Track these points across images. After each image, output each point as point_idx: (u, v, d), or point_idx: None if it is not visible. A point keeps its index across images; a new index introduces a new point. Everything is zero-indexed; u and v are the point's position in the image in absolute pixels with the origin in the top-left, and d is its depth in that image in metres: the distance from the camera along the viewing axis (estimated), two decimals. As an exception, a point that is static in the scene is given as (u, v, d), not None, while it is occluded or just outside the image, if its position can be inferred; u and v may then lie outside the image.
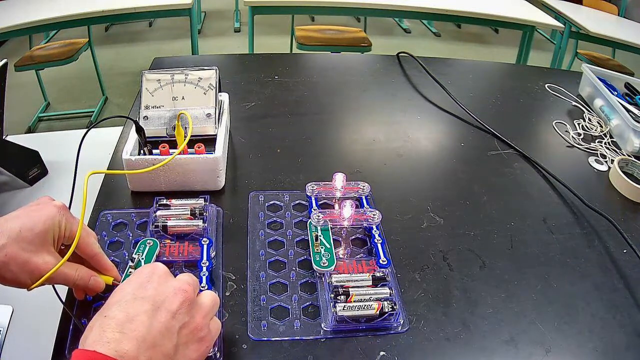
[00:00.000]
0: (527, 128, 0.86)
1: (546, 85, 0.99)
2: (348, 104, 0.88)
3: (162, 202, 0.57)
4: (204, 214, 0.56)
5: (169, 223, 0.54)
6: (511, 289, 0.54)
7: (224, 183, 0.65)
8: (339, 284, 0.49)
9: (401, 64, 1.04)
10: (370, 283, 0.50)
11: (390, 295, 0.48)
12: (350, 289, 0.48)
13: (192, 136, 0.59)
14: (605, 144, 0.82)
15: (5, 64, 0.72)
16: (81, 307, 0.47)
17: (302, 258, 0.55)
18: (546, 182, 0.71)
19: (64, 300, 0.46)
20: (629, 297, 0.54)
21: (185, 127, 0.62)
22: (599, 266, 0.58)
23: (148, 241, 0.52)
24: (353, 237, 0.58)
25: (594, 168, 0.76)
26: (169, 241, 0.54)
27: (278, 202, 0.63)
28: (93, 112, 2.38)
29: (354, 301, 0.47)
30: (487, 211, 0.65)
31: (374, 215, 0.58)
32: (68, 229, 0.43)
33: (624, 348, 0.48)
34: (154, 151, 0.62)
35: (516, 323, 0.50)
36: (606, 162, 0.77)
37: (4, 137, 0.74)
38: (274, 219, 0.60)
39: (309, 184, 0.63)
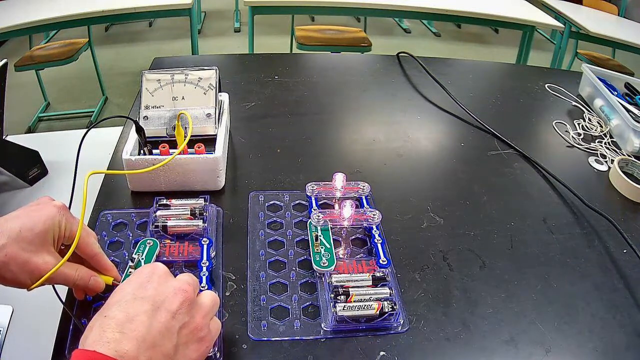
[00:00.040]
0: (527, 128, 0.86)
1: (546, 85, 0.99)
2: (348, 104, 0.88)
3: (162, 202, 0.57)
4: (204, 214, 0.56)
5: (169, 223, 0.54)
6: (511, 289, 0.54)
7: (224, 183, 0.65)
8: (339, 284, 0.49)
9: (401, 64, 1.04)
10: (370, 283, 0.50)
11: (390, 295, 0.48)
12: (350, 289, 0.48)
13: (192, 136, 0.59)
14: (605, 144, 0.82)
15: (5, 64, 0.72)
16: (81, 307, 0.47)
17: (302, 258, 0.55)
18: (546, 182, 0.71)
19: (64, 300, 0.46)
20: (629, 297, 0.54)
21: (185, 127, 0.62)
22: (599, 266, 0.58)
23: (148, 241, 0.52)
24: (353, 237, 0.58)
25: (594, 168, 0.76)
26: (169, 241, 0.54)
27: (278, 202, 0.63)
28: (93, 112, 2.38)
29: (354, 301, 0.47)
30: (487, 211, 0.65)
31: (374, 215, 0.58)
32: (68, 229, 0.43)
33: (624, 348, 0.48)
34: (154, 151, 0.62)
35: (516, 323, 0.50)
36: (606, 162, 0.77)
37: (4, 137, 0.74)
38: (274, 219, 0.60)
39: (309, 184, 0.63)
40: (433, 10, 2.04)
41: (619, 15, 2.67)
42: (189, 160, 0.60)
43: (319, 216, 0.57)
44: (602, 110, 0.88)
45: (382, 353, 0.46)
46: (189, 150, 0.61)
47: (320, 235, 0.55)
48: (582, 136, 0.84)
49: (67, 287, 0.47)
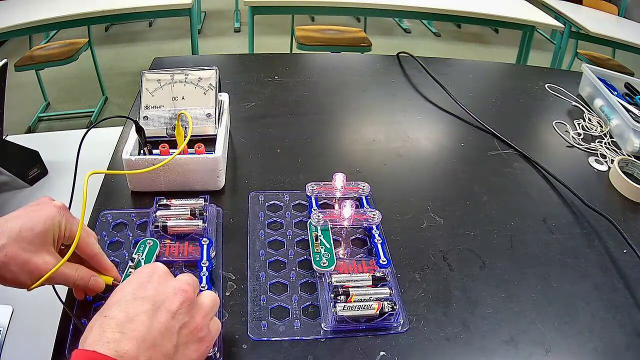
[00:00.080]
0: (527, 128, 0.86)
1: (546, 85, 0.99)
2: (348, 104, 0.88)
3: (162, 202, 0.57)
4: (204, 214, 0.56)
5: (169, 223, 0.54)
6: (511, 289, 0.54)
7: (224, 183, 0.65)
8: (339, 284, 0.49)
9: (401, 64, 1.04)
10: (370, 283, 0.50)
11: (390, 295, 0.48)
12: (350, 289, 0.48)
13: (192, 136, 0.59)
14: (605, 144, 0.82)
15: (5, 64, 0.72)
16: (81, 307, 0.47)
17: (302, 258, 0.55)
18: (546, 182, 0.71)
19: (64, 300, 0.46)
20: (629, 297, 0.54)
21: (185, 127, 0.62)
22: (599, 266, 0.58)
23: (148, 241, 0.52)
24: (353, 237, 0.58)
25: (594, 168, 0.76)
26: (169, 241, 0.54)
27: (278, 202, 0.63)
28: (93, 112, 2.38)
29: (354, 301, 0.47)
30: (487, 211, 0.65)
31: (374, 215, 0.58)
32: (68, 229, 0.43)
33: (624, 348, 0.48)
34: (154, 151, 0.62)
35: (516, 323, 0.50)
36: (606, 162, 0.77)
37: (4, 137, 0.74)
38: (274, 219, 0.60)
39: (309, 184, 0.63)
40: (433, 10, 2.04)
41: (619, 15, 2.67)
42: (189, 160, 0.60)
43: (319, 216, 0.57)
44: (602, 110, 0.88)
45: (382, 353, 0.46)
46: (189, 150, 0.61)
47: (320, 235, 0.55)
48: (582, 136, 0.84)
49: (67, 287, 0.47)
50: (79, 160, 0.53)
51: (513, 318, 0.50)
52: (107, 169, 0.67)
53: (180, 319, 0.36)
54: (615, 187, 0.72)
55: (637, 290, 0.55)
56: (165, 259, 0.52)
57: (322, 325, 0.47)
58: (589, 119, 0.88)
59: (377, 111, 0.87)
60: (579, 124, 0.87)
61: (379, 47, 2.26)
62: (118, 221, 0.58)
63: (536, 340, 0.48)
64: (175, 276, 0.40)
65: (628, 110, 0.83)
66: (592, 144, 0.82)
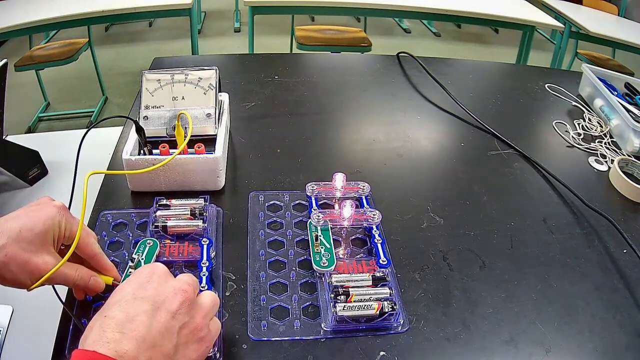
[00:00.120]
0: (527, 128, 0.86)
1: (546, 85, 0.99)
2: (348, 104, 0.88)
3: (162, 202, 0.57)
4: (204, 214, 0.56)
5: (169, 223, 0.54)
6: (511, 289, 0.54)
7: (224, 183, 0.65)
8: (339, 284, 0.49)
9: (401, 64, 1.04)
10: (370, 283, 0.50)
11: (390, 295, 0.48)
12: (350, 289, 0.48)
13: (192, 136, 0.59)
14: (605, 144, 0.82)
15: (5, 64, 0.72)
16: (81, 307, 0.47)
17: (302, 258, 0.55)
18: (546, 182, 0.71)
19: (64, 300, 0.46)
20: (629, 297, 0.54)
21: (185, 127, 0.62)
22: (599, 266, 0.58)
23: (148, 241, 0.52)
24: (353, 237, 0.58)
25: (594, 168, 0.76)
26: (169, 241, 0.54)
27: (278, 202, 0.63)
28: (93, 112, 2.38)
29: (354, 301, 0.47)
30: (487, 211, 0.65)
31: (374, 215, 0.58)
32: (68, 229, 0.43)
33: (624, 348, 0.48)
34: (154, 151, 0.62)
35: (516, 323, 0.50)
36: (606, 162, 0.77)
37: (4, 137, 0.74)
38: (274, 219, 0.60)
39: (309, 184, 0.63)
40: (433, 10, 2.04)
41: (619, 15, 2.67)
42: (189, 160, 0.60)
43: (319, 216, 0.57)
44: (602, 110, 0.88)
45: (382, 353, 0.46)
46: (189, 150, 0.61)
47: (320, 235, 0.55)
48: (582, 136, 0.84)
49: (67, 287, 0.47)
50: (79, 160, 0.53)
51: (513, 318, 0.50)
52: (107, 169, 0.67)
53: (180, 319, 0.36)
54: (615, 187, 0.72)
55: (637, 290, 0.55)
56: (165, 259, 0.52)
57: (322, 325, 0.47)
58: (589, 119, 0.88)
59: (377, 111, 0.87)
60: (579, 124, 0.87)
61: (379, 47, 2.26)
62: (118, 221, 0.58)
63: (536, 340, 0.48)
64: (175, 276, 0.40)
65: (628, 110, 0.83)
66: (592, 144, 0.82)
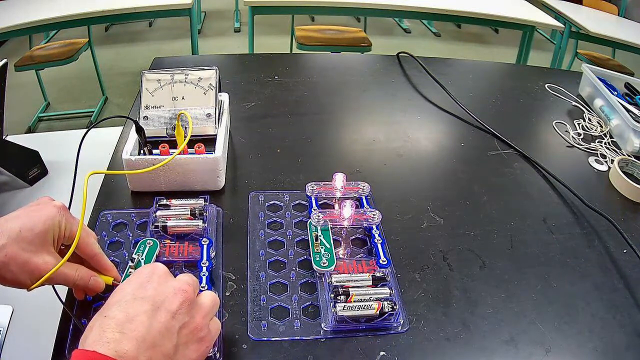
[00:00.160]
0: (527, 128, 0.86)
1: (546, 85, 0.99)
2: (348, 104, 0.88)
3: (162, 202, 0.57)
4: (204, 214, 0.56)
5: (169, 223, 0.54)
6: (511, 289, 0.54)
7: (224, 183, 0.65)
8: (339, 284, 0.49)
9: (401, 64, 1.04)
10: (370, 283, 0.50)
11: (390, 295, 0.48)
12: (350, 289, 0.48)
13: (192, 136, 0.59)
14: (605, 144, 0.82)
15: (5, 64, 0.72)
16: (81, 307, 0.47)
17: (302, 258, 0.55)
18: (546, 182, 0.71)
19: (64, 300, 0.46)
20: (629, 297, 0.54)
21: (185, 127, 0.62)
22: (599, 266, 0.58)
23: (148, 241, 0.52)
24: (353, 237, 0.58)
25: (594, 168, 0.76)
26: (169, 241, 0.54)
27: (278, 202, 0.63)
28: (93, 112, 2.38)
29: (354, 301, 0.47)
30: (487, 211, 0.65)
31: (374, 215, 0.58)
32: (68, 229, 0.43)
33: (624, 348, 0.48)
34: (154, 151, 0.62)
35: (516, 323, 0.50)
36: (606, 162, 0.77)
37: (4, 137, 0.74)
38: (274, 219, 0.60)
39: (309, 184, 0.63)
40: (433, 10, 2.04)
41: (619, 15, 2.67)
42: (189, 160, 0.60)
43: (319, 216, 0.57)
44: (602, 110, 0.88)
45: (382, 353, 0.46)
46: (189, 150, 0.61)
47: (320, 235, 0.55)
48: (582, 136, 0.84)
49: (67, 287, 0.47)
50: (79, 160, 0.53)
51: (513, 318, 0.50)
52: (107, 169, 0.67)
53: (180, 319, 0.36)
54: (615, 187, 0.72)
55: (637, 290, 0.55)
56: (165, 259, 0.52)
57: (322, 325, 0.47)
58: (589, 119, 0.88)
59: (377, 111, 0.87)
60: (579, 124, 0.87)
61: (379, 47, 2.26)
62: (118, 221, 0.58)
63: (536, 340, 0.48)
64: (175, 276, 0.40)
65: (628, 110, 0.83)
66: (592, 144, 0.82)
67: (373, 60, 1.11)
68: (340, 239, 0.58)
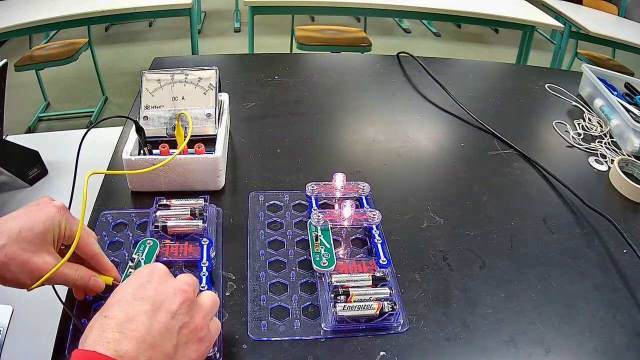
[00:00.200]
0: (527, 128, 0.86)
1: (546, 85, 0.99)
2: (348, 104, 0.88)
3: (162, 202, 0.57)
4: (204, 214, 0.56)
5: (169, 223, 0.54)
6: (511, 289, 0.54)
7: (224, 183, 0.65)
8: (339, 284, 0.49)
9: (401, 64, 1.04)
10: (370, 283, 0.50)
11: (390, 295, 0.48)
12: (350, 289, 0.48)
13: (192, 136, 0.59)
14: (605, 144, 0.82)
15: (5, 64, 0.72)
16: (81, 307, 0.47)
17: (302, 258, 0.55)
18: (546, 182, 0.71)
19: (64, 300, 0.46)
20: (629, 297, 0.54)
21: (185, 127, 0.62)
22: (599, 266, 0.58)
23: (148, 241, 0.52)
24: (353, 237, 0.58)
25: (594, 168, 0.76)
26: (168, 241, 0.54)
27: (278, 202, 0.63)
28: (93, 112, 2.38)
29: (354, 301, 0.47)
30: (487, 211, 0.65)
31: (374, 215, 0.58)
32: (68, 229, 0.43)
33: (624, 348, 0.48)
34: (154, 151, 0.62)
35: (516, 323, 0.50)
36: (606, 162, 0.77)
37: (4, 137, 0.74)
38: (274, 219, 0.60)
39: (309, 184, 0.63)
40: (433, 10, 2.04)
41: (619, 15, 2.67)
42: (189, 160, 0.60)
43: (319, 216, 0.57)
44: (602, 110, 0.88)
45: (382, 353, 0.46)
46: (189, 150, 0.61)
47: (320, 235, 0.55)
48: (582, 136, 0.84)
49: (67, 287, 0.47)
50: (79, 160, 0.53)
51: (513, 318, 0.50)
52: (107, 169, 0.67)
53: (180, 319, 0.36)
54: (615, 187, 0.72)
55: (637, 290, 0.55)
56: (165, 259, 0.52)
57: (322, 325, 0.47)
58: (589, 119, 0.88)
59: (377, 111, 0.87)
60: (579, 124, 0.87)
61: (379, 47, 2.26)
62: (118, 221, 0.58)
63: (536, 340, 0.48)
64: (175, 276, 0.40)
65: (628, 110, 0.83)
66: (592, 144, 0.82)
67: (373, 60, 1.11)
68: (340, 239, 0.58)
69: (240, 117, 0.80)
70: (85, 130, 0.54)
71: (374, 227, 0.58)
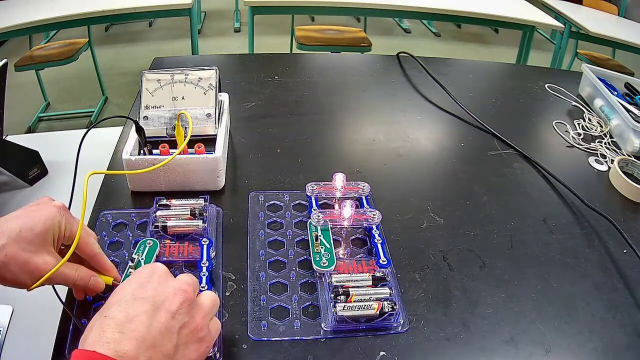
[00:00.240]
0: (527, 128, 0.86)
1: (546, 85, 0.99)
2: (348, 104, 0.88)
3: (162, 202, 0.57)
4: (204, 214, 0.56)
5: (169, 223, 0.54)
6: (511, 289, 0.54)
7: (224, 183, 0.65)
8: (339, 284, 0.49)
9: (401, 64, 1.04)
10: (370, 283, 0.50)
11: (390, 295, 0.48)
12: (350, 289, 0.48)
13: (192, 136, 0.59)
14: (605, 144, 0.82)
15: (5, 64, 0.72)
16: (81, 307, 0.47)
17: (302, 258, 0.55)
18: (546, 182, 0.71)
19: (64, 300, 0.46)
20: (629, 297, 0.54)
21: (185, 127, 0.62)
22: (599, 266, 0.58)
23: (148, 241, 0.52)
24: (353, 237, 0.58)
25: (594, 168, 0.76)
26: (168, 241, 0.54)
27: (278, 202, 0.63)
28: (93, 112, 2.38)
29: (354, 301, 0.47)
30: (487, 211, 0.65)
31: (374, 215, 0.58)
32: (68, 229, 0.43)
33: (624, 348, 0.48)
34: (154, 151, 0.62)
35: (516, 323, 0.50)
36: (606, 162, 0.77)
37: (4, 137, 0.74)
38: (274, 219, 0.60)
39: (309, 184, 0.63)
40: (433, 10, 2.04)
41: (619, 15, 2.67)
42: (189, 160, 0.60)
43: (319, 216, 0.57)
44: (602, 110, 0.88)
45: (382, 353, 0.46)
46: (189, 150, 0.61)
47: (320, 235, 0.55)
48: (582, 136, 0.84)
49: (67, 287, 0.47)
50: (79, 160, 0.53)
51: (513, 318, 0.50)
52: (107, 169, 0.67)
53: (180, 319, 0.36)
54: (615, 187, 0.72)
55: (637, 290, 0.55)
56: (165, 259, 0.52)
57: (322, 325, 0.47)
58: (589, 119, 0.88)
59: (377, 111, 0.87)
60: (579, 124, 0.87)
61: (379, 47, 2.26)
62: (118, 221, 0.58)
63: (536, 340, 0.48)
64: (175, 276, 0.40)
65: (628, 110, 0.83)
66: (592, 144, 0.82)
67: (373, 60, 1.11)
68: (340, 239, 0.58)
69: (240, 117, 0.80)
70: (85, 130, 0.54)
71: (374, 227, 0.58)
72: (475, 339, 0.48)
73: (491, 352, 0.47)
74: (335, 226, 0.57)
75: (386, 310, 0.47)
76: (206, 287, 0.49)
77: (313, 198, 0.61)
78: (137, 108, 0.65)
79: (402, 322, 0.48)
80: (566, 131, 0.85)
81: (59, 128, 2.30)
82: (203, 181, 0.62)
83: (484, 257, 0.57)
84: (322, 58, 1.12)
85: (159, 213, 0.55)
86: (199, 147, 0.61)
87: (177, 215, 0.55)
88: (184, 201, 0.57)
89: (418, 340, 0.47)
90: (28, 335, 0.55)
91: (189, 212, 0.55)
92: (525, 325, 0.50)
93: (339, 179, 0.62)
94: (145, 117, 0.64)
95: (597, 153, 0.80)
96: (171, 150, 0.60)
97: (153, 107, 0.64)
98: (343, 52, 2.13)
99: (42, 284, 0.40)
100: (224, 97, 0.74)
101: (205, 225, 0.54)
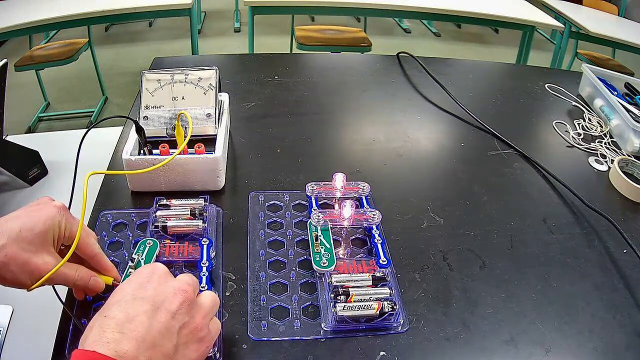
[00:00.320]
0: (527, 128, 0.86)
1: (546, 85, 0.99)
2: (348, 104, 0.88)
3: (162, 202, 0.57)
4: (204, 214, 0.56)
5: (169, 223, 0.54)
6: (511, 289, 0.54)
7: (224, 183, 0.65)
8: (339, 284, 0.49)
9: (401, 64, 1.04)
10: (370, 283, 0.50)
11: (390, 295, 0.48)
12: (350, 289, 0.48)
13: (192, 136, 0.59)
14: (605, 144, 0.82)
15: (5, 64, 0.72)
16: (81, 307, 0.47)
17: (302, 258, 0.55)
18: (546, 182, 0.71)
19: (64, 300, 0.46)
20: (629, 297, 0.54)
21: (185, 127, 0.62)
22: (599, 266, 0.58)
23: (148, 241, 0.52)
24: (353, 237, 0.58)
25: (594, 168, 0.76)
26: (168, 241, 0.54)
27: (278, 202, 0.63)
28: (93, 112, 2.38)
29: (354, 301, 0.47)
30: (487, 211, 0.65)
31: (374, 215, 0.58)
32: (68, 229, 0.43)
33: (624, 348, 0.48)
34: (154, 151, 0.62)
35: (516, 323, 0.50)
36: (606, 162, 0.77)
37: (4, 137, 0.74)
38: (274, 219, 0.60)
39: (309, 184, 0.63)
40: (433, 10, 2.04)
41: (619, 15, 2.67)
42: (189, 160, 0.60)
43: (319, 216, 0.57)
44: (602, 110, 0.88)
45: (382, 353, 0.46)
46: (189, 150, 0.61)
47: (320, 235, 0.55)
48: (582, 136, 0.84)
49: (67, 287, 0.47)
50: (79, 160, 0.53)
51: (513, 318, 0.50)
52: (107, 169, 0.67)
53: (180, 319, 0.36)
54: (615, 187, 0.72)
55: (637, 290, 0.55)
56: (165, 259, 0.52)
57: (322, 325, 0.47)
58: (589, 119, 0.88)
59: (377, 111, 0.87)
60: (579, 124, 0.87)
61: (379, 47, 2.26)
62: (118, 221, 0.58)
63: (536, 340, 0.48)
64: (175, 276, 0.40)
65: (628, 110, 0.83)
66: (592, 144, 0.82)
67: (373, 60, 1.11)
68: (340, 239, 0.58)
69: (240, 117, 0.80)
70: (85, 130, 0.54)
71: (374, 227, 0.58)
72: (475, 339, 0.48)
73: (491, 352, 0.47)
74: (335, 226, 0.57)
75: (386, 310, 0.47)
76: (206, 287, 0.49)
77: (313, 198, 0.61)
78: (137, 108, 0.65)
79: (402, 322, 0.48)
80: (566, 131, 0.85)
81: (59, 128, 2.30)
82: (203, 181, 0.62)
83: (484, 257, 0.57)
84: (322, 58, 1.12)
85: (159, 213, 0.55)
86: (199, 147, 0.61)
87: (177, 215, 0.55)
88: (184, 201, 0.57)
89: (418, 340, 0.47)
90: (28, 335, 0.55)
91: (189, 212, 0.55)
92: (525, 325, 0.50)
93: (339, 179, 0.62)
94: (145, 117, 0.64)
95: (597, 153, 0.80)
96: (171, 150, 0.60)
97: (153, 107, 0.64)
98: (343, 52, 2.13)
99: (42, 284, 0.40)
100: (224, 97, 0.74)
101: (205, 225, 0.54)
